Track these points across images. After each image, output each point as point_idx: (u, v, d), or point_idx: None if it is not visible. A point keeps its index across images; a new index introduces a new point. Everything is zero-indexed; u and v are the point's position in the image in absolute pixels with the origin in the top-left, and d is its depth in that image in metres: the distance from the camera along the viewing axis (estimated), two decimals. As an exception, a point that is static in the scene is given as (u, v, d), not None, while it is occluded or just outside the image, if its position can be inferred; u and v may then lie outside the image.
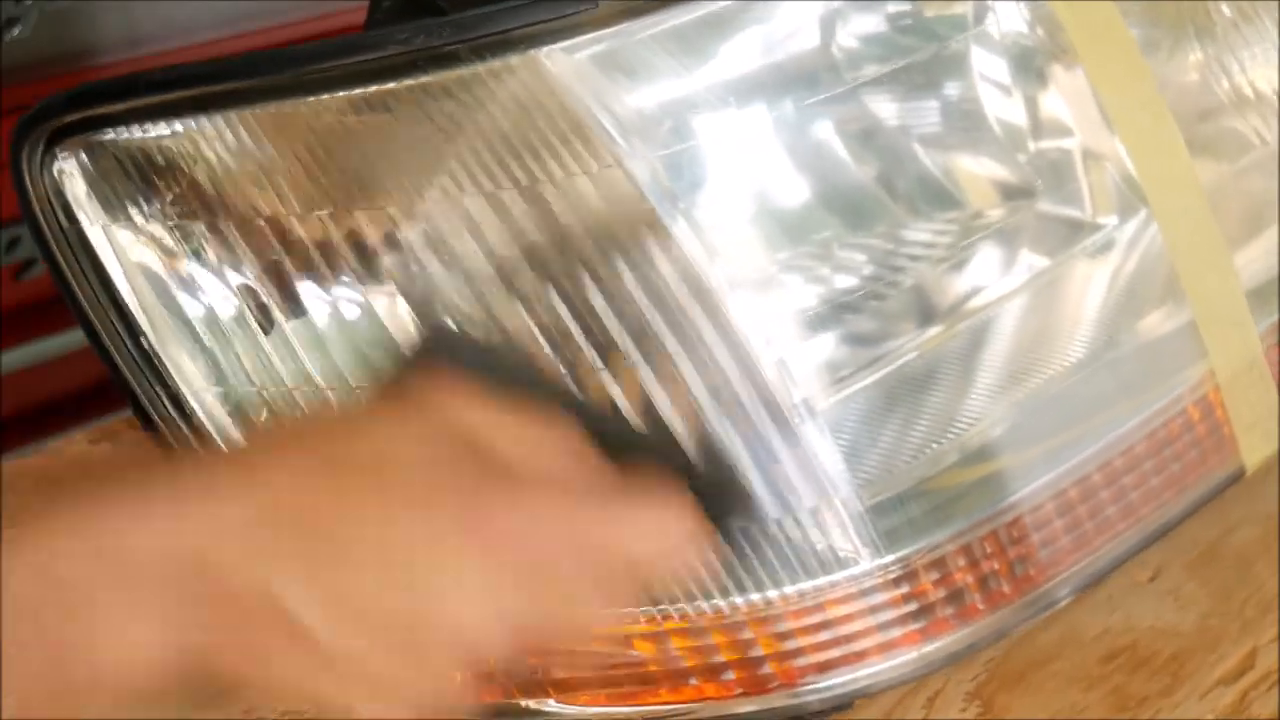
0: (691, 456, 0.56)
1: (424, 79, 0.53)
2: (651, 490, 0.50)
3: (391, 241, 0.56)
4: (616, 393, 0.56)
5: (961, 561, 0.59)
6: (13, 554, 0.44)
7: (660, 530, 0.49)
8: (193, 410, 0.61)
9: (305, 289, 0.57)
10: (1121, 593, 0.68)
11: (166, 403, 0.61)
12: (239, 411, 0.61)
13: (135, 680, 0.45)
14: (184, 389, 0.61)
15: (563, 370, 0.56)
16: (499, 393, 0.50)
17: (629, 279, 0.55)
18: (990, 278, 0.62)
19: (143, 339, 0.60)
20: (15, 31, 0.71)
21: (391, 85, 0.54)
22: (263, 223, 0.57)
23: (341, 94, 0.54)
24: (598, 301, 0.55)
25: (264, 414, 0.61)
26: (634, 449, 0.53)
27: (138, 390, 0.60)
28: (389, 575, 0.45)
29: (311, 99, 0.54)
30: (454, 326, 0.56)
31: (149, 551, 0.44)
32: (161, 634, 0.44)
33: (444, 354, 0.54)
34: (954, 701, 0.64)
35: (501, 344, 0.56)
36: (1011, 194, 0.65)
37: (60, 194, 0.58)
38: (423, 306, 0.57)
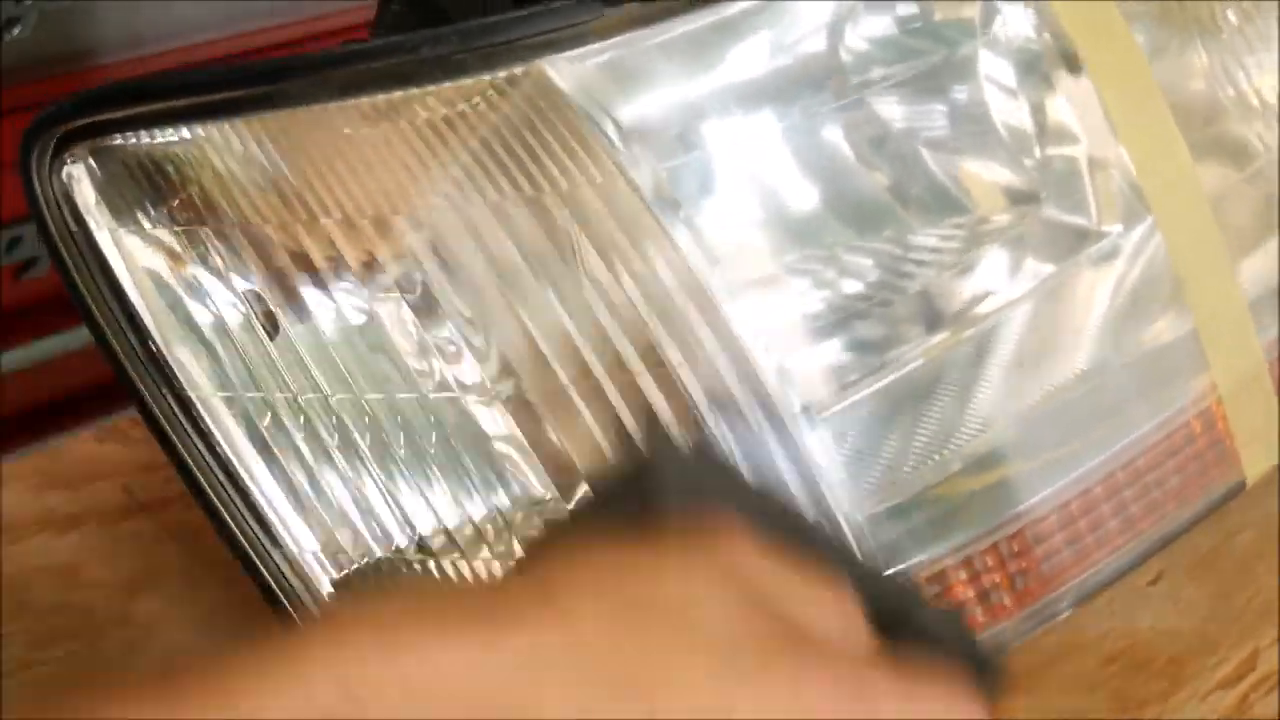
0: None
1: (431, 87, 0.54)
2: (927, 667, 0.47)
3: (396, 249, 0.57)
4: (614, 396, 0.58)
5: (963, 574, 0.60)
6: (312, 650, 0.41)
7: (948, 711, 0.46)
8: (199, 415, 0.62)
9: (310, 295, 0.58)
10: (1122, 596, 0.69)
11: (173, 406, 0.62)
12: (245, 416, 0.63)
13: None
14: (191, 393, 0.62)
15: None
16: (771, 539, 0.48)
17: (630, 287, 0.56)
18: (996, 284, 0.63)
19: (150, 343, 0.60)
20: (15, 31, 0.72)
21: (398, 93, 0.54)
22: (269, 229, 0.58)
23: (348, 101, 0.55)
24: (600, 310, 0.56)
25: (267, 419, 0.63)
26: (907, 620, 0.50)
27: (145, 394, 0.61)
28: None
29: (318, 106, 0.55)
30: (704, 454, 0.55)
31: (455, 675, 0.41)
32: None
33: (706, 484, 0.50)
34: (955, 703, 0.66)
35: (760, 485, 0.54)
36: (1018, 200, 0.65)
37: (69, 198, 0.59)
38: (426, 313, 0.59)
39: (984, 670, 0.50)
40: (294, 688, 0.40)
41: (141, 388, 0.61)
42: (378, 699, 0.40)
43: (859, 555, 0.56)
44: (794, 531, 0.50)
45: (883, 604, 0.49)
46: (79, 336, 0.63)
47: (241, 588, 0.68)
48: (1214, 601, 0.69)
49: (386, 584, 0.50)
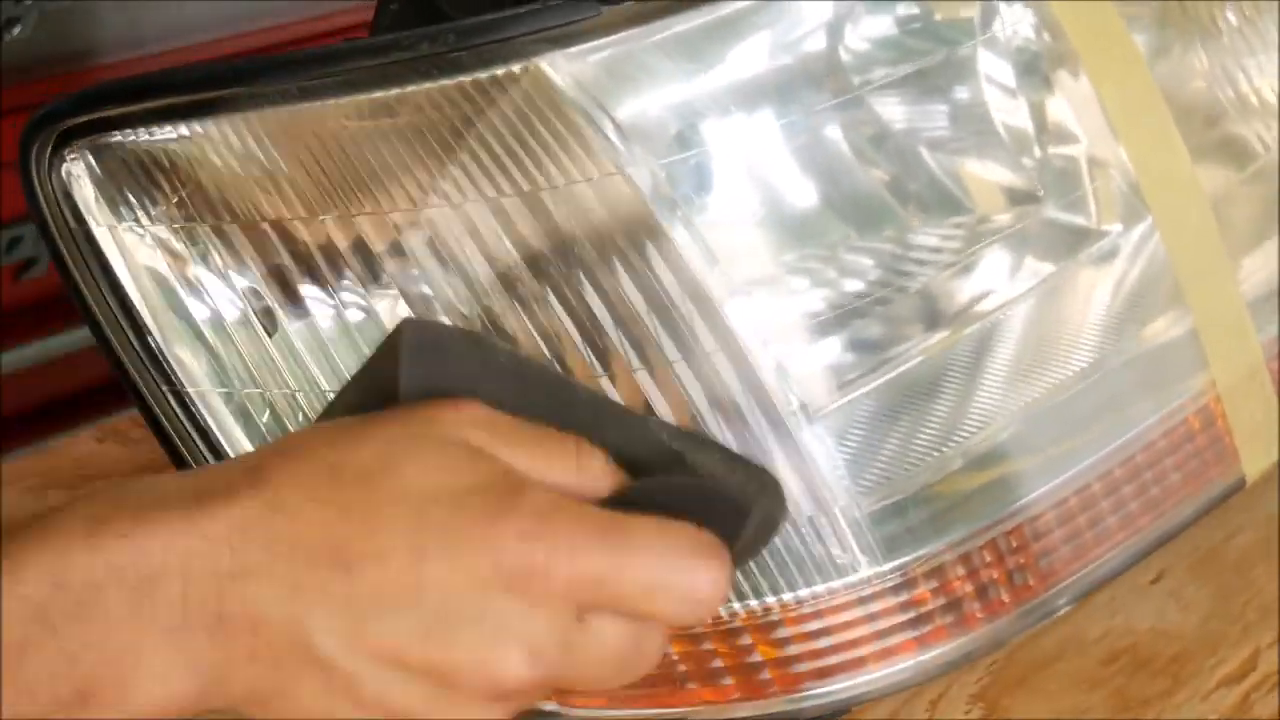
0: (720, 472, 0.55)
1: (428, 85, 0.55)
2: (677, 525, 0.49)
3: (395, 246, 0.57)
4: (614, 395, 0.58)
5: (960, 570, 0.60)
6: (23, 555, 0.44)
7: (687, 570, 0.48)
8: (198, 411, 0.63)
9: (309, 292, 0.59)
10: (1123, 595, 0.70)
11: (172, 402, 0.63)
12: (243, 413, 0.63)
13: (151, 700, 0.45)
14: (189, 389, 0.62)
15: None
16: (508, 403, 0.50)
17: (628, 285, 0.56)
18: (995, 283, 0.64)
19: (149, 339, 0.61)
20: (15, 31, 0.73)
21: (396, 91, 0.55)
22: (267, 226, 0.58)
23: (346, 99, 0.56)
24: (598, 308, 0.57)
25: (265, 415, 0.64)
26: (656, 464, 0.53)
27: (143, 390, 0.61)
28: (410, 595, 0.45)
29: (317, 104, 0.56)
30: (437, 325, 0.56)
31: (163, 555, 0.44)
32: (180, 656, 0.45)
33: (433, 354, 0.53)
34: (957, 704, 0.66)
35: (493, 347, 0.55)
36: (1017, 199, 0.66)
37: (68, 195, 0.60)
38: (424, 311, 0.59)
39: (736, 518, 0.52)
40: (9, 589, 0.43)
41: (140, 384, 0.61)
42: (86, 584, 0.44)
43: (624, 411, 0.56)
44: (551, 392, 0.53)
45: (647, 456, 0.52)
46: (79, 336, 0.64)
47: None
48: (1215, 601, 0.70)
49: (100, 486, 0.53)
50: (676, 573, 0.48)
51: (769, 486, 0.55)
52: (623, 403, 0.57)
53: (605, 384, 0.57)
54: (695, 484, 0.53)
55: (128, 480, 0.49)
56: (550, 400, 0.53)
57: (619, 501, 0.51)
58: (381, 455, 0.48)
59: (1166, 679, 0.66)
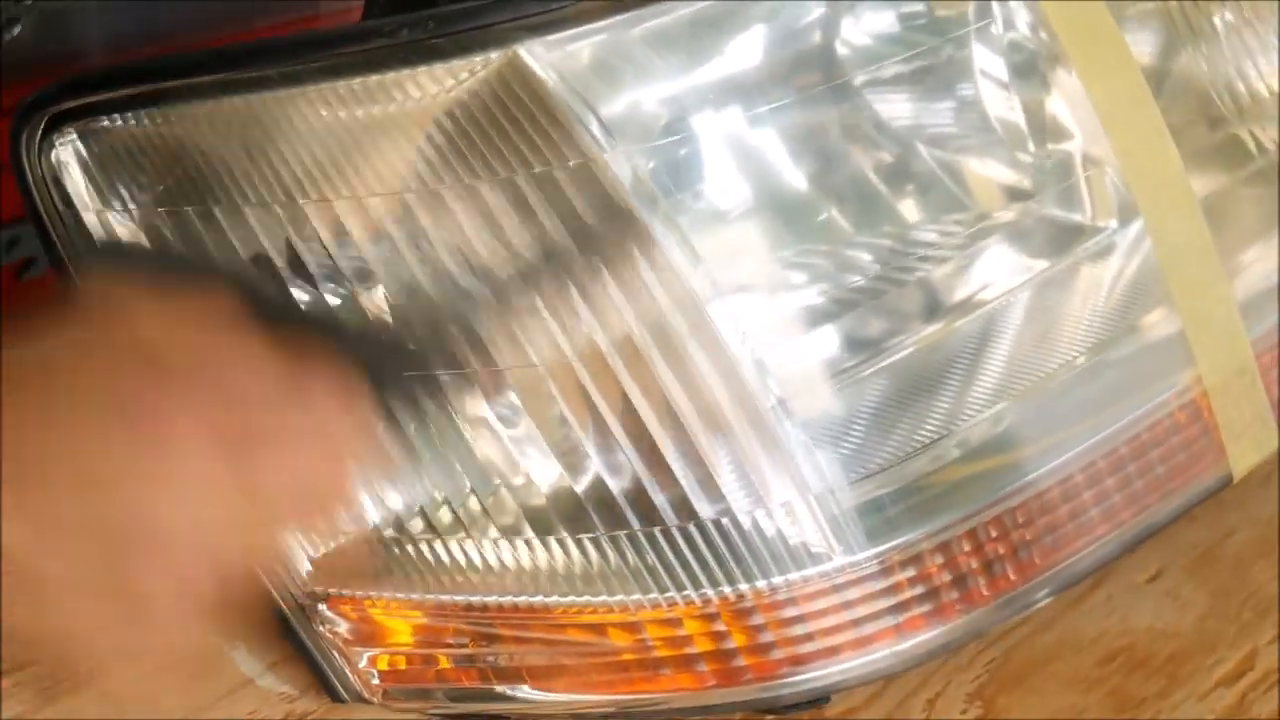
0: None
1: (408, 72, 0.56)
2: (313, 369, 0.52)
3: (373, 231, 0.59)
4: (590, 384, 0.60)
5: (938, 559, 0.61)
6: None
7: (324, 415, 0.52)
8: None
9: (289, 277, 0.60)
10: (1120, 594, 0.70)
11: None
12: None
13: None
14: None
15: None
16: (160, 279, 0.53)
17: (605, 275, 0.58)
18: (990, 278, 0.65)
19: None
20: (15, 31, 0.75)
21: (376, 78, 0.57)
22: (249, 211, 0.60)
23: (327, 85, 0.57)
24: (573, 296, 0.58)
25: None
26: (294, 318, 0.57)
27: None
28: (82, 498, 0.48)
29: (298, 89, 0.57)
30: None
31: None
32: None
33: (110, 259, 0.58)
34: (955, 703, 0.66)
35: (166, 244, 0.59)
36: (1013, 196, 0.67)
37: (58, 180, 0.61)
38: (400, 296, 0.61)
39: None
40: None
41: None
42: None
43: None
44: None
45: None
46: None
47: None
48: (1212, 600, 0.70)
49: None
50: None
51: None
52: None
53: (579, 368, 0.59)
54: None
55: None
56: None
57: None
58: (39, 354, 0.50)
59: (1163, 678, 0.67)
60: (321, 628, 0.66)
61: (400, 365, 0.59)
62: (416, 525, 0.63)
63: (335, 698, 0.67)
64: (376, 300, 0.60)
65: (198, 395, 0.50)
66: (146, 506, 0.49)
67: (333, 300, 0.60)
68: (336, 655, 0.66)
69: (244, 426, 0.50)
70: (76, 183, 0.62)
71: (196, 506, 0.49)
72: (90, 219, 0.62)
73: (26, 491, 0.48)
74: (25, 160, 0.61)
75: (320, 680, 0.67)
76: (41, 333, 0.51)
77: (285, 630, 0.66)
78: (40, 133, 0.61)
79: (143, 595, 0.49)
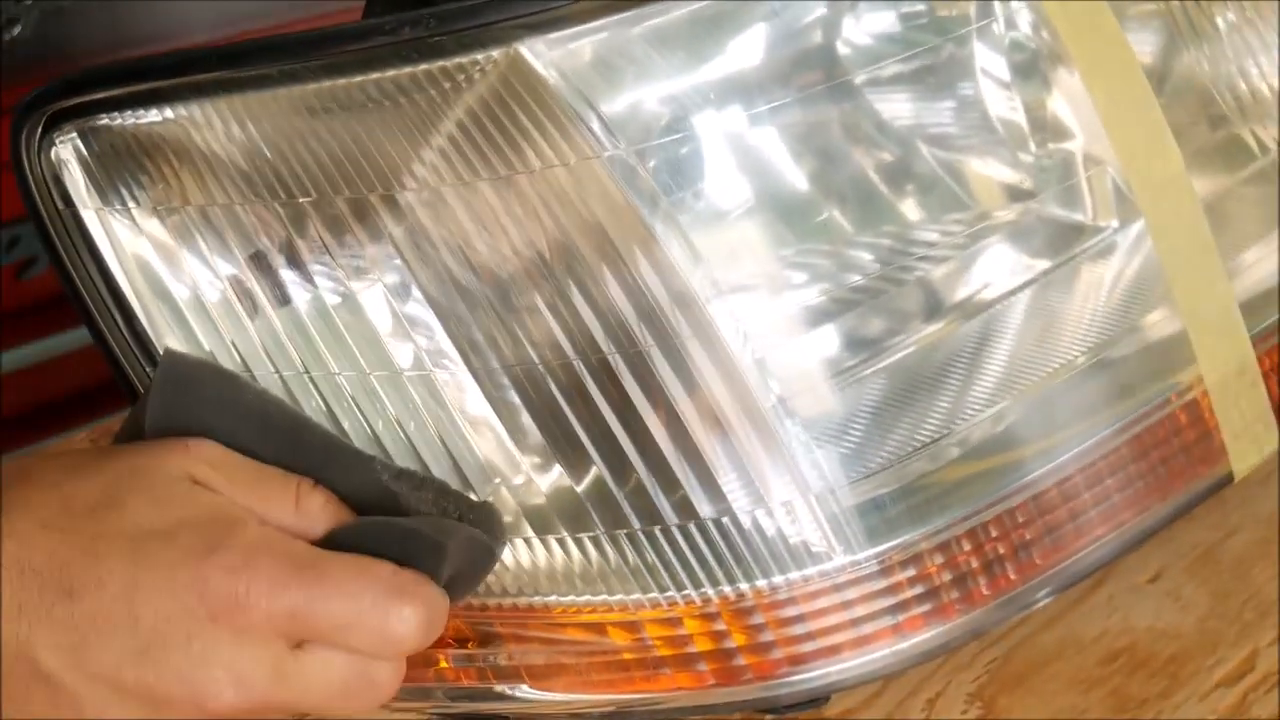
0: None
1: (409, 70, 0.57)
2: (374, 564, 0.55)
3: (373, 231, 0.59)
4: (590, 383, 0.60)
5: (938, 559, 0.61)
6: None
7: (379, 608, 0.54)
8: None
9: (289, 276, 0.60)
10: (1121, 594, 0.71)
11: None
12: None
13: None
14: (174, 372, 0.65)
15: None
16: (241, 437, 0.57)
17: (606, 274, 0.58)
18: (990, 278, 0.65)
19: (136, 323, 0.63)
20: (15, 31, 0.75)
21: (376, 76, 0.57)
22: (249, 210, 0.60)
23: (328, 83, 0.57)
24: (574, 295, 0.58)
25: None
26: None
27: (130, 373, 0.63)
28: (137, 642, 0.51)
29: (298, 88, 0.58)
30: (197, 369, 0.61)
31: None
32: None
33: (185, 390, 0.59)
34: (955, 703, 0.66)
35: (243, 387, 0.60)
36: (1014, 195, 0.67)
37: (57, 178, 0.62)
38: (400, 295, 0.61)
39: (435, 555, 0.57)
40: None
41: (126, 365, 0.63)
42: None
43: (353, 452, 0.60)
44: (289, 432, 0.59)
45: (370, 497, 0.58)
46: (78, 337, 0.66)
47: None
48: (1213, 600, 0.70)
49: None
50: (368, 611, 0.54)
51: (481, 520, 0.60)
52: (353, 445, 0.61)
53: (579, 366, 0.59)
54: (397, 524, 0.58)
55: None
56: (287, 440, 0.59)
57: (332, 541, 0.57)
58: (109, 488, 0.54)
59: (1164, 679, 0.67)
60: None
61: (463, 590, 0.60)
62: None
63: (335, 697, 0.67)
64: (375, 299, 0.60)
65: (271, 568, 0.53)
66: (199, 662, 0.52)
67: (332, 299, 0.61)
68: (336, 655, 0.67)
69: (309, 605, 0.53)
70: (76, 181, 0.62)
71: (247, 667, 0.53)
72: (90, 217, 0.62)
73: (81, 618, 0.51)
74: (25, 158, 0.61)
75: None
76: (105, 466, 0.55)
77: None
78: (40, 131, 0.61)
79: None
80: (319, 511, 0.57)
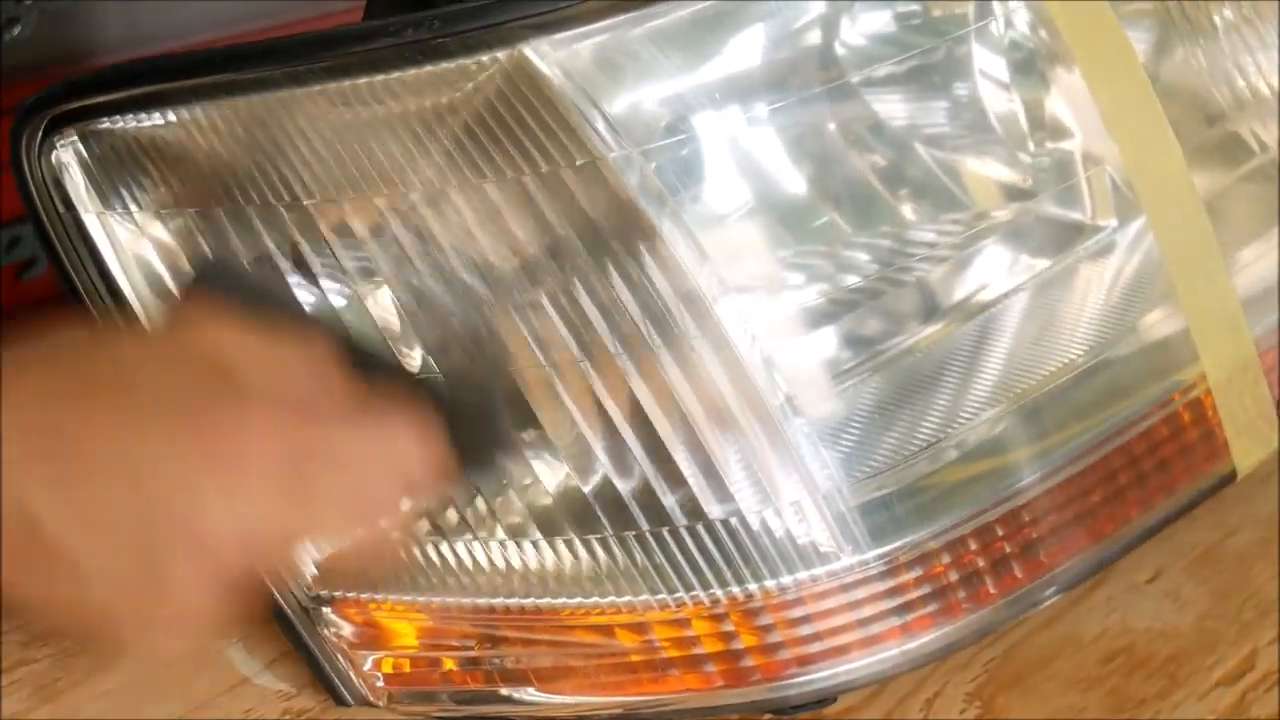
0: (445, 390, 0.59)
1: (413, 71, 0.57)
2: (394, 408, 0.53)
3: (378, 232, 0.59)
4: (598, 384, 0.60)
5: (945, 559, 0.62)
6: None
7: (392, 444, 0.53)
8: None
9: (293, 279, 0.60)
10: (1120, 594, 0.71)
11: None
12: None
13: None
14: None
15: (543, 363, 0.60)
16: (258, 319, 0.54)
17: (613, 274, 0.58)
18: (991, 278, 0.66)
19: (137, 325, 0.62)
20: (15, 31, 0.75)
21: (380, 77, 0.57)
22: (251, 212, 0.60)
23: (332, 85, 0.57)
24: (580, 296, 0.58)
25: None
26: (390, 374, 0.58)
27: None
28: (132, 490, 0.49)
29: (302, 90, 0.58)
30: (222, 259, 0.61)
31: None
32: None
33: (210, 286, 0.58)
34: (954, 703, 0.66)
35: (263, 274, 0.60)
36: (1013, 195, 0.68)
37: (58, 182, 0.62)
38: (406, 296, 0.61)
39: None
40: None
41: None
42: None
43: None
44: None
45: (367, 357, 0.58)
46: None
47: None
48: (1212, 600, 0.71)
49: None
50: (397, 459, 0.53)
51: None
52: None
53: (587, 369, 0.59)
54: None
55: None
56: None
57: None
58: (120, 363, 0.52)
59: (1163, 678, 0.67)
60: (326, 631, 0.66)
61: (483, 434, 0.59)
62: (422, 527, 0.63)
63: (340, 701, 0.67)
64: (382, 301, 0.60)
65: (271, 414, 0.52)
66: (194, 501, 0.50)
67: (337, 301, 0.61)
68: (341, 659, 0.66)
69: (310, 442, 0.52)
70: (77, 184, 0.62)
71: (243, 505, 0.51)
72: (91, 220, 0.62)
73: (75, 471, 0.50)
74: (26, 162, 0.61)
75: (324, 684, 0.67)
76: (130, 339, 0.54)
77: (289, 633, 0.67)
78: (41, 134, 0.61)
79: (171, 579, 0.50)
80: (332, 372, 0.55)
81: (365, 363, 0.57)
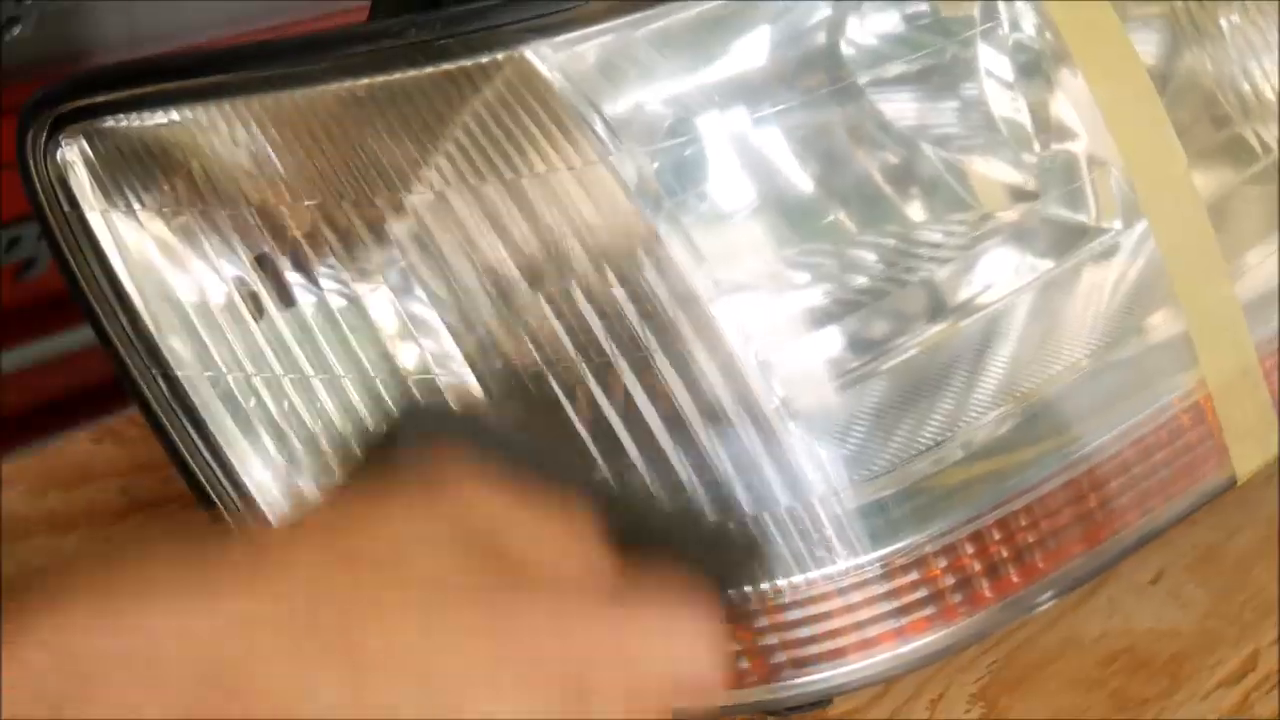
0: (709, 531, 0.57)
1: (414, 72, 0.58)
2: (669, 589, 0.49)
3: (379, 234, 0.60)
4: (602, 400, 0.61)
5: (942, 562, 0.62)
6: (29, 626, 0.43)
7: (679, 635, 0.48)
8: (187, 395, 0.65)
9: (294, 279, 0.62)
10: (1122, 595, 0.72)
11: (162, 386, 0.65)
12: (229, 398, 0.66)
13: None
14: (179, 373, 0.65)
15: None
16: (508, 473, 0.50)
17: (611, 277, 0.59)
18: (994, 279, 0.66)
19: (139, 323, 0.64)
20: (16, 31, 0.76)
21: (383, 78, 0.58)
22: (254, 212, 0.61)
23: (334, 85, 0.58)
24: (579, 298, 0.59)
25: (252, 400, 0.66)
26: (650, 528, 0.53)
27: (135, 374, 0.64)
28: (421, 686, 0.45)
29: (305, 90, 0.59)
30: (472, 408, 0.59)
31: (173, 641, 0.44)
32: None
33: (444, 428, 0.53)
34: (957, 703, 0.67)
35: (503, 420, 0.58)
36: (1018, 196, 0.68)
37: (63, 180, 0.63)
38: (407, 300, 0.62)
39: (726, 561, 0.52)
40: (19, 677, 0.41)
41: (131, 368, 0.64)
42: (100, 673, 0.42)
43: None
44: (540, 467, 0.51)
45: (634, 522, 0.51)
46: (78, 337, 0.67)
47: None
48: (1214, 601, 0.71)
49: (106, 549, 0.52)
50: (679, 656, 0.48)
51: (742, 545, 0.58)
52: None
53: (582, 368, 0.60)
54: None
55: (125, 541, 0.47)
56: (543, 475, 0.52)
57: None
58: (393, 542, 0.47)
59: (1165, 679, 0.68)
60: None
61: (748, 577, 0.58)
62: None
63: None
64: (381, 302, 0.61)
65: (558, 605, 0.47)
66: (486, 701, 0.46)
67: (337, 303, 0.62)
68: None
69: (595, 637, 0.47)
70: (82, 182, 0.63)
71: (530, 705, 0.46)
72: (95, 219, 0.63)
73: (363, 664, 0.45)
74: (30, 160, 0.62)
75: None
76: (399, 509, 0.48)
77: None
78: (46, 132, 0.62)
79: None
80: (595, 547, 0.50)
81: (627, 529, 0.51)
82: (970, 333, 0.66)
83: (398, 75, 0.58)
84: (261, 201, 0.61)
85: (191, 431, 0.66)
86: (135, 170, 0.62)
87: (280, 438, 0.66)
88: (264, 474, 0.67)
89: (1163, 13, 0.73)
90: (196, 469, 0.67)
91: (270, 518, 0.67)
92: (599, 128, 0.58)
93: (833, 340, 0.63)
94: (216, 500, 0.67)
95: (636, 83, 0.60)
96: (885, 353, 0.64)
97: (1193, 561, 0.74)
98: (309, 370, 0.62)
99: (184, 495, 0.76)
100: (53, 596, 0.44)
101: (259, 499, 0.67)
